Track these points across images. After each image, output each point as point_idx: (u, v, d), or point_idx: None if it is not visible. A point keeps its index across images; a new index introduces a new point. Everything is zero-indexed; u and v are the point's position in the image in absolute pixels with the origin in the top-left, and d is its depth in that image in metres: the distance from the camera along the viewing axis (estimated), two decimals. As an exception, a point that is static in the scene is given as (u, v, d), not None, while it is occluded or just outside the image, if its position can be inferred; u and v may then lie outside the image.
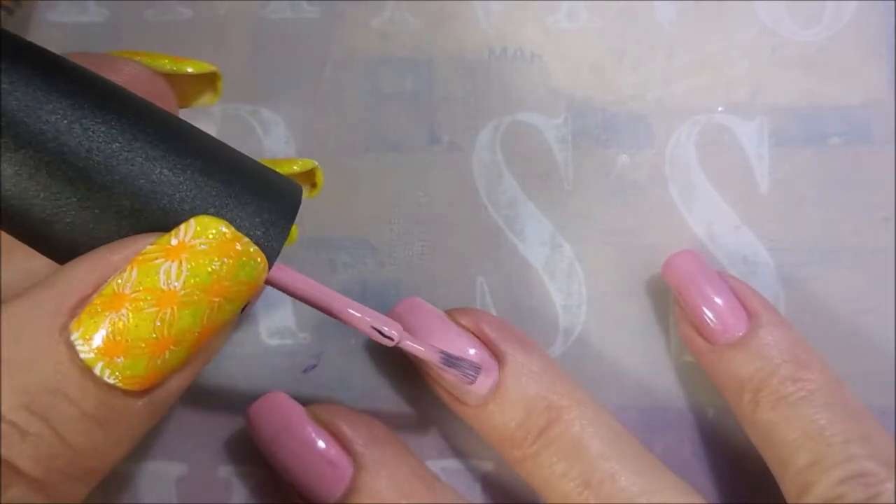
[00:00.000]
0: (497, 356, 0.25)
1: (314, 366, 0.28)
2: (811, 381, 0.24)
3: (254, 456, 0.28)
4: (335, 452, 0.25)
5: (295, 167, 0.26)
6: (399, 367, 0.28)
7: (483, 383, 0.25)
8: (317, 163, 0.26)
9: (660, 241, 0.29)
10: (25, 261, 0.22)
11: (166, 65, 0.24)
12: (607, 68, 0.30)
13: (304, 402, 0.26)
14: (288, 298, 0.28)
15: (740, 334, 0.25)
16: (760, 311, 0.26)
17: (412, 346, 0.23)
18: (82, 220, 0.18)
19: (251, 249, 0.19)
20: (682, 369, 0.28)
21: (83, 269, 0.18)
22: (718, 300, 0.26)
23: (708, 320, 0.26)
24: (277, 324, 0.28)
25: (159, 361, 0.18)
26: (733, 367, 0.25)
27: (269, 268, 0.19)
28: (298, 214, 0.28)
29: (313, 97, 0.29)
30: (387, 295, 0.28)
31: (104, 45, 0.29)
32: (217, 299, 0.18)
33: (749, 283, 0.27)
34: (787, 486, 0.24)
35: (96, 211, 0.18)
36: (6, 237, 0.19)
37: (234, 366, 0.28)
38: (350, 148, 0.29)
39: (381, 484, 0.25)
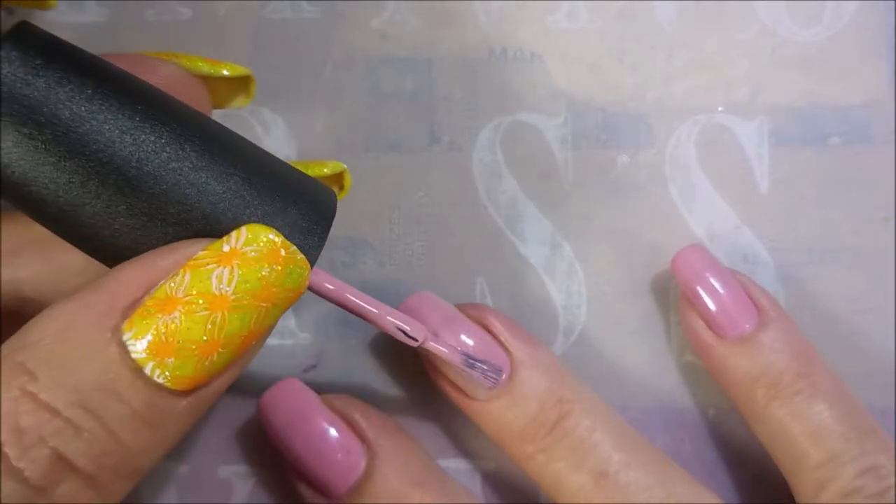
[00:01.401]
0: (507, 351, 0.25)
1: (314, 366, 0.28)
2: (820, 376, 0.25)
3: (254, 456, 0.28)
4: (350, 440, 0.25)
5: (325, 170, 0.26)
6: (399, 367, 0.28)
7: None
8: (346, 166, 0.26)
9: (660, 241, 0.29)
10: (62, 254, 0.22)
11: (203, 67, 0.24)
12: (607, 68, 0.30)
13: (305, 402, 0.26)
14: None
15: (750, 328, 0.25)
16: (768, 307, 0.26)
17: (435, 347, 0.24)
18: (130, 226, 0.19)
19: (298, 257, 0.19)
20: (682, 369, 0.28)
21: (134, 273, 0.18)
22: (730, 293, 0.26)
23: (719, 312, 0.26)
24: (278, 324, 0.28)
25: (207, 363, 0.18)
26: (743, 362, 0.25)
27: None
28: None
29: (313, 97, 0.29)
30: (387, 295, 0.28)
31: (104, 46, 0.29)
32: (265, 304, 0.19)
33: (749, 283, 0.27)
34: (803, 482, 0.24)
35: (143, 218, 0.19)
36: (42, 231, 0.20)
37: (234, 366, 0.28)
38: (350, 148, 0.29)
39: (395, 472, 0.25)
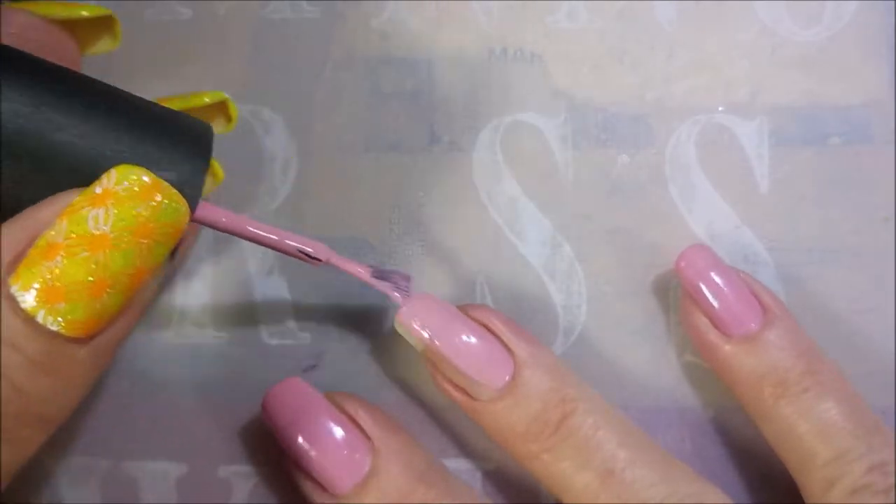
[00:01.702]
0: (510, 351, 0.25)
1: (314, 366, 0.28)
2: (825, 374, 0.25)
3: (254, 456, 0.28)
4: (355, 437, 0.25)
5: (206, 99, 0.26)
6: (400, 367, 0.28)
7: (498, 377, 0.25)
8: (227, 94, 0.26)
9: (660, 241, 0.29)
10: None
11: (58, 11, 0.24)
12: (607, 68, 0.30)
13: (305, 402, 0.26)
14: (288, 299, 0.28)
15: (755, 327, 0.25)
16: (773, 306, 0.26)
17: (341, 262, 0.24)
18: (5, 192, 0.19)
19: (171, 192, 0.20)
20: (682, 369, 0.28)
21: (15, 228, 0.19)
22: (734, 291, 0.26)
23: (724, 311, 0.26)
24: (277, 324, 0.28)
25: (98, 305, 0.19)
26: (749, 361, 0.25)
27: (193, 208, 0.20)
28: (299, 209, 0.28)
29: (313, 97, 0.29)
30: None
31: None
32: (145, 241, 0.19)
33: (750, 283, 0.27)
34: (812, 480, 0.24)
35: (18, 182, 0.19)
36: None
37: (234, 366, 0.28)
38: (350, 148, 0.29)
39: (399, 469, 0.25)
